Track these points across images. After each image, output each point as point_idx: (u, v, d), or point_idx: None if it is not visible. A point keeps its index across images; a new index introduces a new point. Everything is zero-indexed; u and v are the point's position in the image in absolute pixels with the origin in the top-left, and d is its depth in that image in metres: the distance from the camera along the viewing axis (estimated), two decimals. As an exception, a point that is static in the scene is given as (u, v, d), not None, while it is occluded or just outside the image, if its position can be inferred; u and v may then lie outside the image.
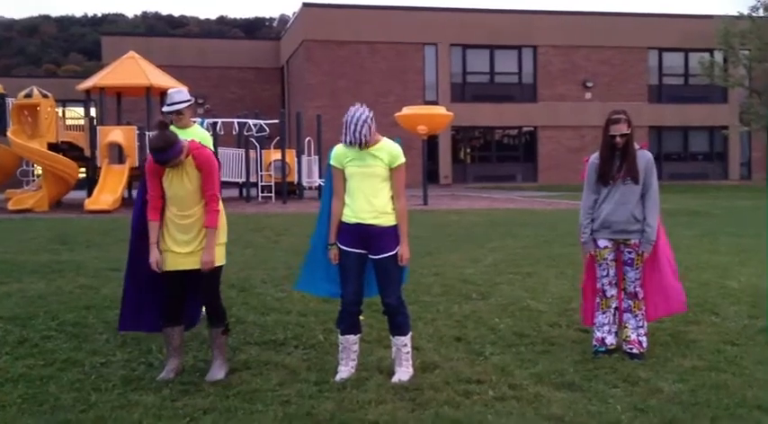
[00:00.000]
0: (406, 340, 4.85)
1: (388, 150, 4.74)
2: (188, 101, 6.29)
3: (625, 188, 5.33)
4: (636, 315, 5.43)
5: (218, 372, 4.83)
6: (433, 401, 4.34)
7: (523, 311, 6.78)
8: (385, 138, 4.81)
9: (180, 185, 4.77)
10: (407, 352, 4.85)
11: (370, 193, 4.71)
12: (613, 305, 5.49)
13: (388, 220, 4.75)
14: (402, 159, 4.77)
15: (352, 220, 4.75)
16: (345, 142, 4.63)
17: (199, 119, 6.56)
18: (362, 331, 5.04)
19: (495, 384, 4.67)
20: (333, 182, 4.87)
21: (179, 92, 6.39)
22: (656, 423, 4.07)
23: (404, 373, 4.79)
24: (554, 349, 5.48)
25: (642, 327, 5.42)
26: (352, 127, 4.57)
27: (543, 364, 5.10)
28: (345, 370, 4.83)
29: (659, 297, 5.56)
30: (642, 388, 4.61)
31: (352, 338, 4.86)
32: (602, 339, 5.47)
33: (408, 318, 4.91)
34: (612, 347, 5.45)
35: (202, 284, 4.90)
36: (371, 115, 4.66)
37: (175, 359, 4.90)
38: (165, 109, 6.38)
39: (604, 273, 5.46)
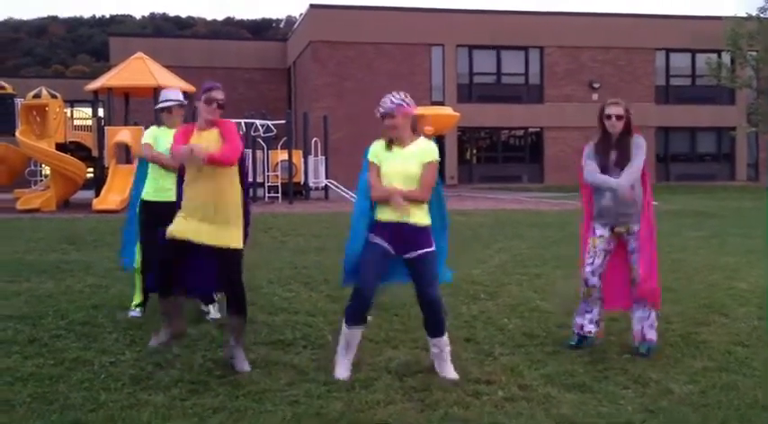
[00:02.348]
0: (447, 339, 4.85)
1: (422, 148, 4.78)
2: (177, 100, 6.40)
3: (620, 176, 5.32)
4: (645, 306, 5.41)
5: (244, 363, 4.91)
6: (442, 401, 4.34)
7: (532, 311, 6.77)
8: (422, 137, 4.84)
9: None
10: (448, 353, 4.84)
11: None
12: (595, 295, 5.48)
13: (421, 218, 4.76)
14: (433, 157, 4.78)
15: (387, 218, 4.76)
16: (379, 110, 4.70)
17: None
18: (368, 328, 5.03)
19: (505, 384, 4.66)
20: (369, 177, 4.85)
21: (171, 92, 6.60)
22: (667, 424, 4.05)
23: (451, 370, 4.79)
24: (564, 350, 5.46)
25: (648, 318, 5.40)
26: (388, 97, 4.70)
27: (553, 365, 5.08)
28: (345, 367, 4.81)
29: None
30: (653, 389, 4.59)
31: (358, 330, 4.84)
32: (581, 325, 5.49)
33: (445, 316, 4.89)
34: (591, 335, 5.48)
35: (223, 269, 4.95)
36: (409, 100, 4.75)
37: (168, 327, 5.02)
38: (156, 106, 6.55)
39: (590, 261, 5.44)
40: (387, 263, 4.82)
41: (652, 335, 5.40)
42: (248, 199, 5.13)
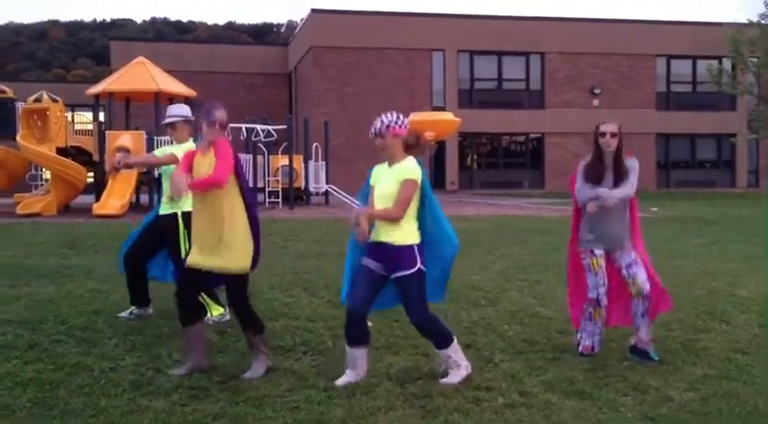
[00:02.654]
0: (449, 352, 4.84)
1: (403, 166, 4.76)
2: (183, 116, 6.47)
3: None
4: (645, 317, 5.43)
5: (256, 369, 4.94)
6: (442, 408, 4.33)
7: (533, 318, 6.77)
8: (409, 158, 4.80)
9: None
10: (454, 361, 4.84)
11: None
12: (604, 314, 5.50)
13: (401, 238, 4.72)
14: (409, 175, 4.71)
15: (373, 238, 4.78)
16: (371, 130, 4.76)
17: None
18: (371, 341, 5.00)
19: (505, 391, 4.66)
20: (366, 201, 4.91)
21: (178, 108, 6.71)
22: (668, 432, 4.05)
23: (454, 376, 4.81)
24: (564, 357, 5.46)
25: (649, 327, 5.43)
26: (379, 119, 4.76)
27: (553, 371, 5.08)
28: (351, 375, 4.82)
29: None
30: (653, 396, 4.59)
31: (359, 351, 4.83)
32: (592, 347, 5.50)
33: (441, 332, 4.86)
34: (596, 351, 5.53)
35: (228, 293, 5.08)
36: (401, 121, 4.77)
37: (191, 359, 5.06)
38: (163, 122, 6.66)
39: (601, 282, 5.44)
40: (379, 285, 4.82)
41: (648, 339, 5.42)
42: (256, 215, 5.06)
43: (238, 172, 4.98)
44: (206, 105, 5.04)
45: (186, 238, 6.27)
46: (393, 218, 4.70)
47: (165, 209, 6.41)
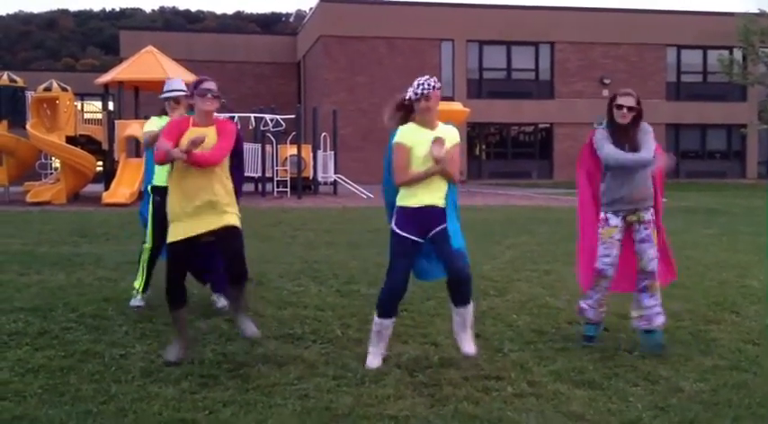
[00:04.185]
0: (471, 308, 4.93)
1: (448, 131, 4.89)
2: (183, 91, 6.35)
3: None
4: (653, 295, 5.42)
5: (250, 327, 4.93)
6: (452, 396, 4.33)
7: (542, 308, 6.76)
8: (446, 124, 4.95)
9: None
10: (472, 320, 4.95)
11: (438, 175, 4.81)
12: (605, 285, 5.47)
13: (442, 199, 4.87)
14: (457, 139, 4.91)
15: (413, 203, 4.81)
16: (416, 91, 4.78)
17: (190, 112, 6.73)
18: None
19: (514, 380, 4.65)
20: (396, 160, 4.85)
21: (176, 81, 6.59)
22: (677, 422, 4.04)
23: (471, 344, 4.88)
24: (573, 347, 5.44)
25: (656, 306, 5.40)
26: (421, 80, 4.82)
27: (562, 361, 5.07)
28: (377, 356, 4.87)
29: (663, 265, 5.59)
30: (663, 387, 4.58)
31: (388, 322, 4.90)
32: (595, 312, 5.52)
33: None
34: (602, 319, 5.57)
35: (223, 245, 4.98)
36: (439, 84, 4.86)
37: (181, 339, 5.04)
38: (162, 96, 6.52)
39: (607, 253, 5.41)
40: (416, 254, 4.88)
41: (659, 320, 5.39)
42: (241, 178, 5.20)
43: (238, 144, 5.09)
44: (197, 79, 5.03)
45: (154, 215, 6.29)
46: (454, 179, 4.89)
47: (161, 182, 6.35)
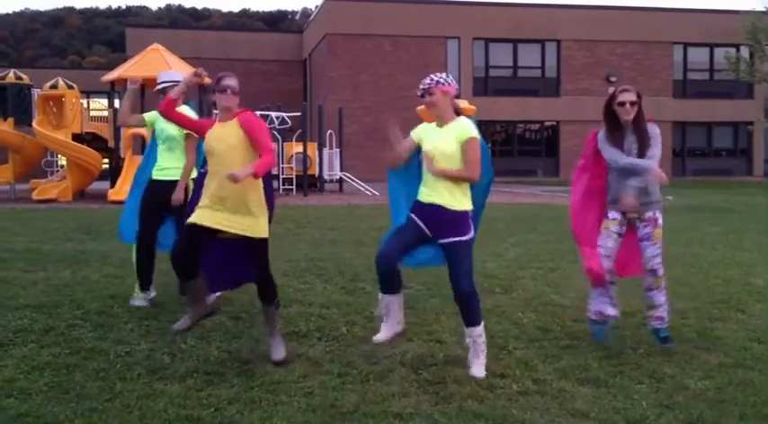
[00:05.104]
0: (480, 330, 4.77)
1: (460, 125, 4.74)
2: (173, 81, 6.37)
3: None
4: (656, 291, 5.38)
5: (279, 350, 4.90)
6: (456, 394, 4.34)
7: (547, 305, 6.75)
8: (462, 117, 4.80)
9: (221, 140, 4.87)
10: (483, 342, 4.78)
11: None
12: (607, 278, 5.43)
13: (458, 203, 4.71)
14: (471, 133, 4.69)
15: (422, 199, 4.78)
16: (419, 88, 4.74)
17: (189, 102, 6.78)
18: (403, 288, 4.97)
19: (519, 378, 4.65)
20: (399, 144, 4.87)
21: (168, 73, 6.65)
22: (683, 420, 4.03)
23: (479, 368, 4.71)
24: (578, 345, 5.44)
25: (663, 304, 5.38)
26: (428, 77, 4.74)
27: (567, 359, 5.07)
28: (384, 331, 4.86)
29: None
30: (668, 385, 4.57)
31: (392, 297, 4.86)
32: (599, 311, 5.46)
33: (479, 307, 4.79)
34: (613, 319, 5.49)
35: (251, 259, 4.98)
36: (450, 79, 4.77)
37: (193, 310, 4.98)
38: (155, 88, 6.57)
39: (602, 243, 5.41)
40: (418, 242, 4.81)
41: (667, 317, 5.39)
42: (271, 187, 5.11)
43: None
44: (217, 76, 5.00)
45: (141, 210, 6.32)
46: (470, 179, 4.71)
47: (161, 175, 6.38)
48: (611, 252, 5.41)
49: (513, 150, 37.40)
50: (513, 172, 35.70)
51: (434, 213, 4.72)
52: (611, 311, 5.48)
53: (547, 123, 37.34)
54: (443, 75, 4.81)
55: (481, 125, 5.02)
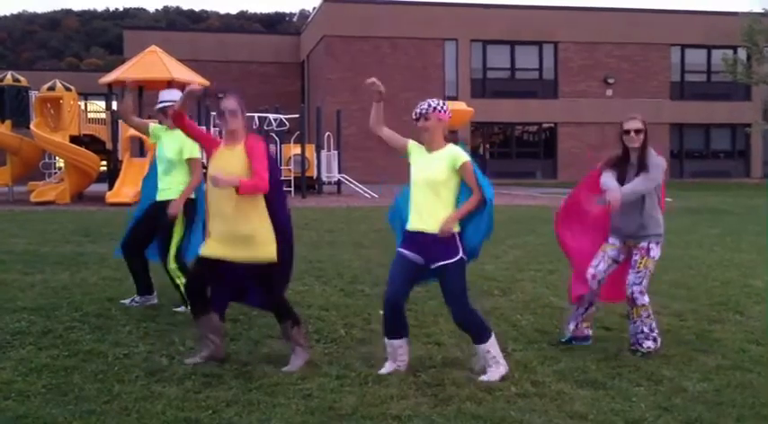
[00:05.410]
0: (488, 346, 4.74)
1: (451, 151, 4.71)
2: (173, 101, 6.36)
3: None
4: (635, 322, 5.32)
5: (292, 363, 4.86)
6: (455, 396, 4.34)
7: (545, 308, 6.76)
8: (450, 144, 4.77)
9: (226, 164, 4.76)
10: (493, 357, 4.73)
11: (431, 199, 4.67)
12: (587, 298, 5.46)
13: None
14: (464, 158, 4.67)
15: (411, 227, 4.75)
16: (415, 112, 4.76)
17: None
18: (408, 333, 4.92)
19: (518, 380, 4.65)
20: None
21: (168, 93, 6.64)
22: (681, 422, 4.03)
23: (493, 373, 4.69)
24: (576, 347, 5.45)
25: (641, 333, 5.30)
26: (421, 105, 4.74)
27: (566, 361, 5.07)
28: (387, 365, 4.81)
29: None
30: (666, 387, 4.58)
31: (396, 341, 4.80)
32: (576, 326, 5.53)
33: (481, 326, 4.76)
34: (588, 335, 5.55)
35: (261, 283, 4.96)
36: (446, 107, 4.77)
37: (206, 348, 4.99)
38: (156, 107, 6.60)
39: (596, 264, 5.42)
40: (416, 275, 4.78)
41: (649, 344, 5.30)
42: (284, 213, 4.97)
43: (271, 169, 4.83)
44: (222, 94, 4.92)
45: (183, 224, 6.30)
46: (479, 203, 4.70)
47: (164, 196, 6.41)
48: (601, 274, 5.41)
49: (511, 152, 37.40)
50: (512, 174, 35.69)
51: (421, 239, 4.68)
52: (583, 328, 5.51)
53: (545, 125, 37.35)
54: (440, 101, 4.80)
55: (470, 151, 4.98)
